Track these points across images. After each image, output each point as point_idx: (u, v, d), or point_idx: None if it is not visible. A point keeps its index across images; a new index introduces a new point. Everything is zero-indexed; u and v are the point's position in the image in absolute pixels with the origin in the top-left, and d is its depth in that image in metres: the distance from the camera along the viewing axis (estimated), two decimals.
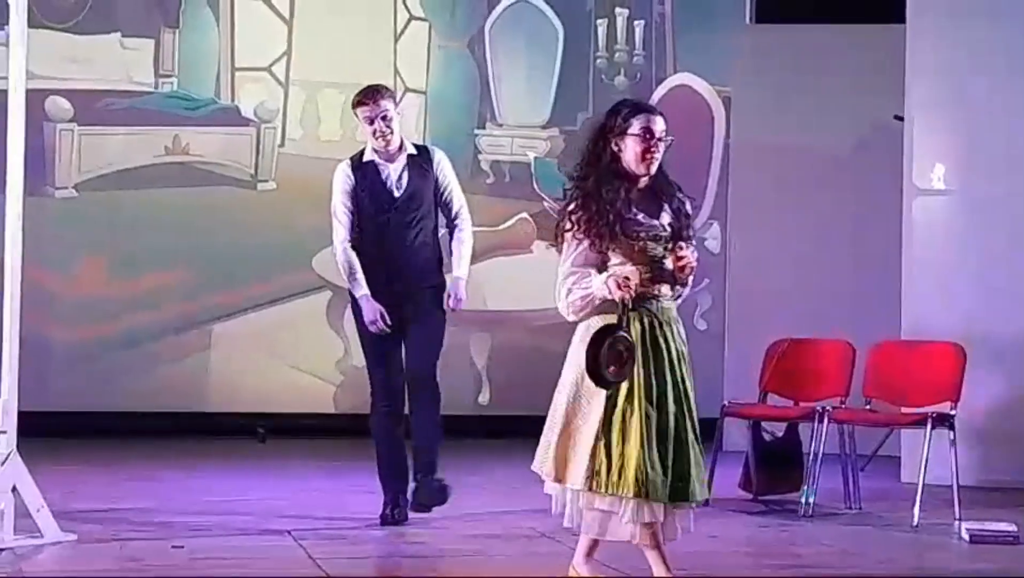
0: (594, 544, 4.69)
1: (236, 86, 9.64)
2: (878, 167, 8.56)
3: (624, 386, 4.48)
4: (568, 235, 4.59)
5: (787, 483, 6.92)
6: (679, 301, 4.69)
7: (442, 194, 6.20)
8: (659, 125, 4.64)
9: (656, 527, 4.50)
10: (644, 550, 4.54)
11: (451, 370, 9.67)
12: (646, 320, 4.56)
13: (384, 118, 6.06)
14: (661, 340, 4.56)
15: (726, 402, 7.12)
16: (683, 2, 10.04)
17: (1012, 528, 6.02)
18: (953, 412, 6.61)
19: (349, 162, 6.20)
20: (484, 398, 9.73)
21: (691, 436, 4.54)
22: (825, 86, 8.97)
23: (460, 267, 6.18)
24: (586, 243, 4.55)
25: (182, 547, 5.55)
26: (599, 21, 10.04)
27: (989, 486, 7.36)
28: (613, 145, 4.63)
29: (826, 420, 6.68)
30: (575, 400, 4.55)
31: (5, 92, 5.63)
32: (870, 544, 5.87)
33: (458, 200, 6.24)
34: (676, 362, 4.59)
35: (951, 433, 6.56)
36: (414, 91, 9.75)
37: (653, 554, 4.54)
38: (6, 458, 5.49)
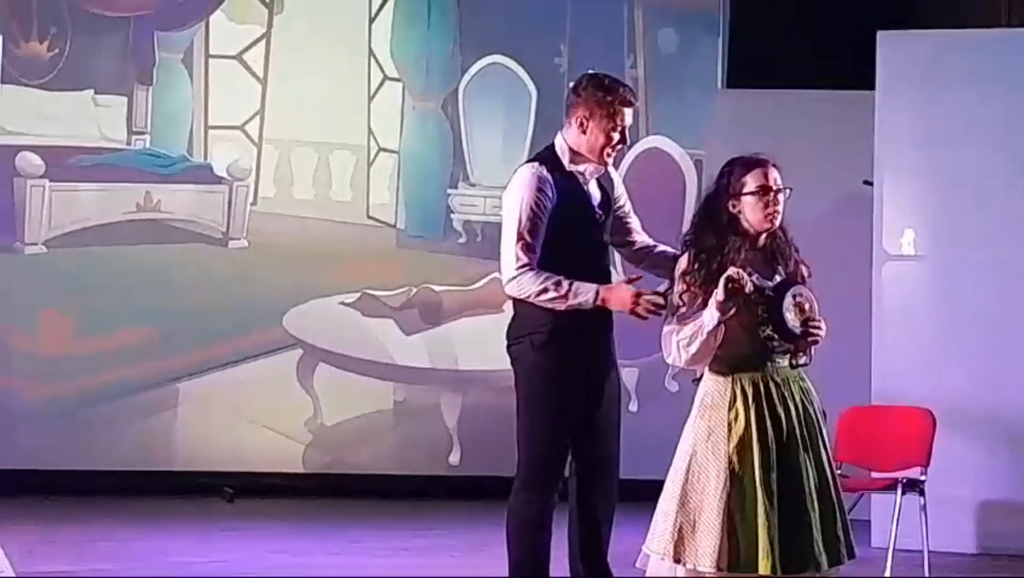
0: None
1: (209, 144, 9.63)
2: (848, 232, 8.59)
3: (741, 458, 4.26)
4: (685, 296, 4.33)
5: None
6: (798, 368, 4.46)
7: (622, 219, 4.93)
8: (775, 176, 4.44)
9: None
10: None
11: (421, 430, 9.70)
12: (761, 383, 4.35)
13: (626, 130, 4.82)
14: (779, 403, 4.35)
15: None
16: (656, 66, 10.08)
17: None
18: (923, 478, 6.62)
19: (543, 166, 4.75)
20: (455, 458, 9.67)
21: (815, 499, 4.32)
22: (796, 151, 8.89)
23: None
24: (700, 300, 4.30)
25: None
26: (572, 83, 10.07)
27: (958, 552, 7.35)
28: (730, 207, 4.41)
29: None
30: (688, 474, 4.32)
31: None
32: None
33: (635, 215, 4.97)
34: (799, 421, 4.36)
35: (921, 498, 6.57)
36: (387, 150, 9.75)
37: None
38: None
